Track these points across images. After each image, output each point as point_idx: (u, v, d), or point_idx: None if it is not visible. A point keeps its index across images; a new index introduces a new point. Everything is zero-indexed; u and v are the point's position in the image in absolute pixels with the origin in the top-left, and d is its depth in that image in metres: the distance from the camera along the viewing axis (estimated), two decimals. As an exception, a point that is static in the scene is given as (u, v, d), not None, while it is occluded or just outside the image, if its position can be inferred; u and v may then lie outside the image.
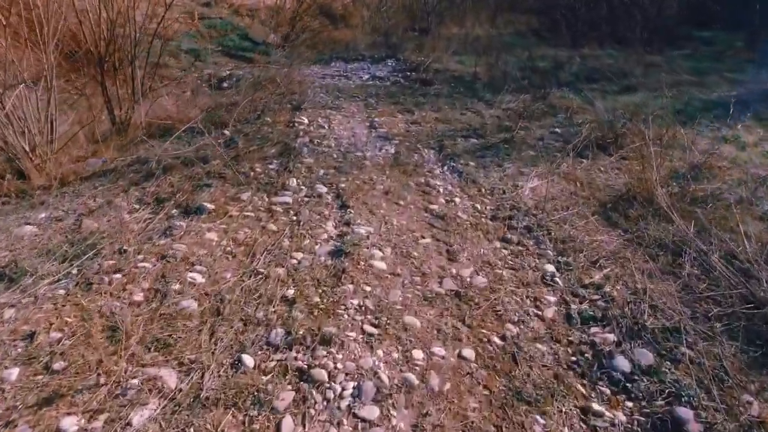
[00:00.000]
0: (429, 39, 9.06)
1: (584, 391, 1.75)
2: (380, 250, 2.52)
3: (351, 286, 2.21)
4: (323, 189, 3.20)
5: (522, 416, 1.64)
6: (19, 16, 3.57)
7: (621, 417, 1.65)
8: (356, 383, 1.71)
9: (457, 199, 3.14)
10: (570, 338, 1.98)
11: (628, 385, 1.77)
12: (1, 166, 3.47)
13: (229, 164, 3.43)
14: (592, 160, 3.80)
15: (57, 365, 1.69)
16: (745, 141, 4.18)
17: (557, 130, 4.54)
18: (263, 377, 1.70)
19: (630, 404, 1.70)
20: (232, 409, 1.60)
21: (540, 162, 3.75)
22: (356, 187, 3.25)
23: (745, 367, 1.82)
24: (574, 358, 1.88)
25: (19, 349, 1.79)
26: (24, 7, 3.54)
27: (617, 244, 2.64)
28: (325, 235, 2.66)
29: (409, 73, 6.85)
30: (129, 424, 1.53)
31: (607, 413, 1.66)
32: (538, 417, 1.64)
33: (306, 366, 1.75)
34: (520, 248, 2.63)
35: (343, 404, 1.64)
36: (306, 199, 3.08)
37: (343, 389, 1.68)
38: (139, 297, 2.09)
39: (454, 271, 2.38)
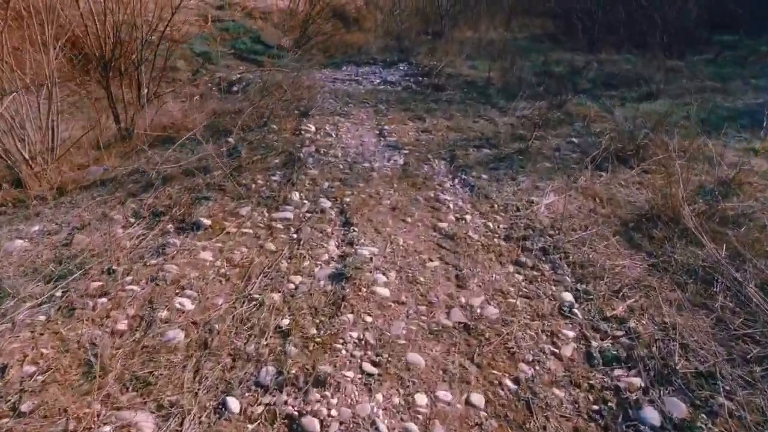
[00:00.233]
0: (442, 43, 8.89)
1: (608, 448, 1.55)
2: (384, 274, 2.34)
3: (351, 316, 2.03)
4: (327, 204, 3.03)
5: (537, 477, 1.44)
6: (20, 16, 3.46)
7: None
8: (351, 434, 1.53)
9: (468, 217, 2.95)
10: (591, 381, 1.78)
11: (658, 442, 1.56)
12: (0, 173, 3.38)
13: (230, 176, 3.29)
14: (611, 173, 3.57)
15: (25, 406, 1.55)
16: (777, 154, 3.92)
17: (574, 140, 4.32)
18: (248, 425, 1.53)
19: (661, 465, 1.50)
20: (213, 462, 1.44)
21: (556, 175, 3.53)
22: (362, 202, 3.08)
23: (792, 422, 1.61)
24: (596, 407, 1.67)
25: (-11, 385, 1.65)
26: (25, 8, 3.43)
27: (641, 270, 2.43)
28: (326, 256, 2.49)
29: (421, 78, 6.68)
30: (97, 479, 1.37)
31: (634, 476, 1.46)
32: (555, 479, 1.44)
33: (297, 412, 1.58)
34: (535, 273, 2.43)
35: (336, 459, 1.46)
36: (308, 214, 2.91)
37: (337, 441, 1.51)
38: (122, 325, 1.94)
39: (463, 300, 2.19)
